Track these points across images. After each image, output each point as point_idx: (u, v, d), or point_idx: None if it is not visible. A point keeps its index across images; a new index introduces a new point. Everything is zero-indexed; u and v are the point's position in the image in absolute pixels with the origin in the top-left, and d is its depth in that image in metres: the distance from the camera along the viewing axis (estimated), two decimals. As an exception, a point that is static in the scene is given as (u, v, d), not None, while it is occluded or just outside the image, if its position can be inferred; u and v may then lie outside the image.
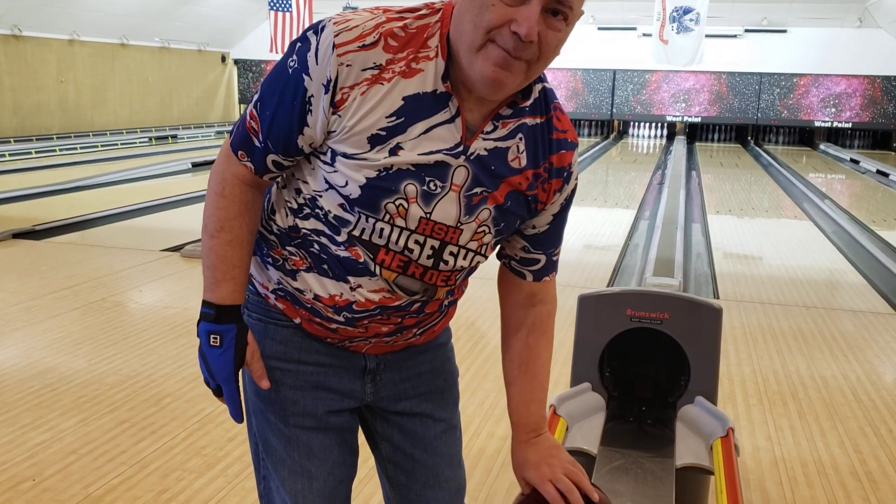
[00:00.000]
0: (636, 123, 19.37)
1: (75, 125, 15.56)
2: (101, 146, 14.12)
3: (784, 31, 17.68)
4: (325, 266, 1.25)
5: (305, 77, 1.16)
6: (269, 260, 1.31)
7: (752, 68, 17.97)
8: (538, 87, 1.25)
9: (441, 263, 1.26)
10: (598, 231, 7.47)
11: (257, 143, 1.22)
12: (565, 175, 1.30)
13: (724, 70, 18.06)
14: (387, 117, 1.15)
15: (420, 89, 1.16)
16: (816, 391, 3.49)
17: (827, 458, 2.86)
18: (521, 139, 1.23)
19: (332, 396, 1.38)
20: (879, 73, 17.34)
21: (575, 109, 19.01)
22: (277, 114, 1.19)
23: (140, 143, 15.31)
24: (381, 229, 1.21)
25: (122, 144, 14.69)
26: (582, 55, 18.37)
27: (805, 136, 18.62)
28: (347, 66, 1.14)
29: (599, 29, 18.32)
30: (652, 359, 2.37)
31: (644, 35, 17.37)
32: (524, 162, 1.24)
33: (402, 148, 1.16)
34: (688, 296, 2.32)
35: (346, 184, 1.19)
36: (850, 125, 17.83)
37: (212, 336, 1.28)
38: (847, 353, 4.01)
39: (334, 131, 1.18)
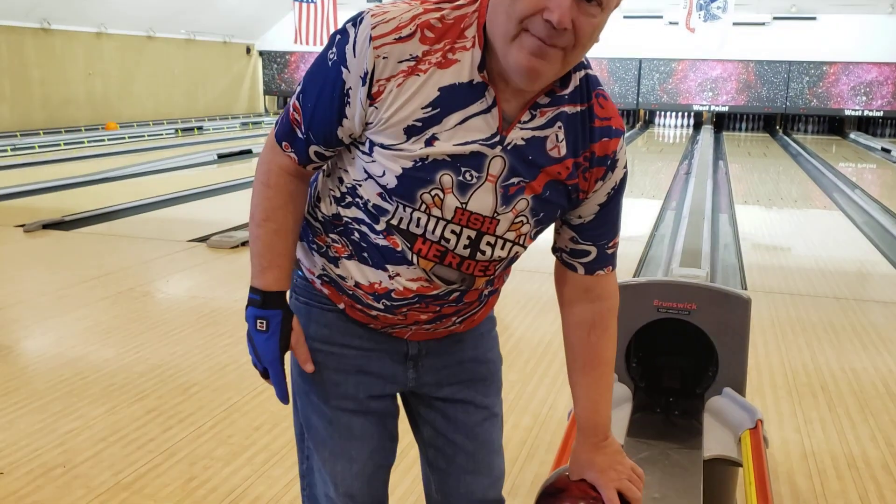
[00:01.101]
0: (662, 113, 19.20)
1: (103, 117, 15.72)
2: (129, 138, 14.26)
3: (813, 19, 17.42)
4: (365, 254, 1.27)
5: (343, 69, 1.17)
6: (315, 246, 1.34)
7: (781, 56, 17.73)
8: (579, 73, 1.24)
9: (478, 254, 1.25)
10: (623, 222, 7.39)
11: (300, 135, 1.24)
12: (609, 163, 1.27)
13: (751, 58, 17.84)
14: (422, 108, 1.15)
15: (456, 80, 1.15)
16: (847, 383, 3.44)
17: (857, 451, 2.82)
18: (559, 128, 1.21)
19: (374, 381, 1.39)
20: (912, 61, 17.05)
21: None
22: (318, 106, 1.21)
23: (166, 134, 15.43)
24: (418, 219, 1.21)
25: (148, 136, 14.82)
26: (607, 44, 17.99)
27: (835, 125, 18.36)
28: (384, 58, 1.14)
29: (625, 17, 18.15)
30: (679, 349, 2.34)
31: (670, 23, 17.22)
32: (563, 151, 1.22)
33: (437, 139, 1.16)
34: (716, 286, 2.29)
35: (384, 174, 1.19)
36: (881, 113, 17.55)
37: (258, 321, 1.32)
38: (878, 345, 3.96)
39: (371, 123, 1.18)
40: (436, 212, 1.20)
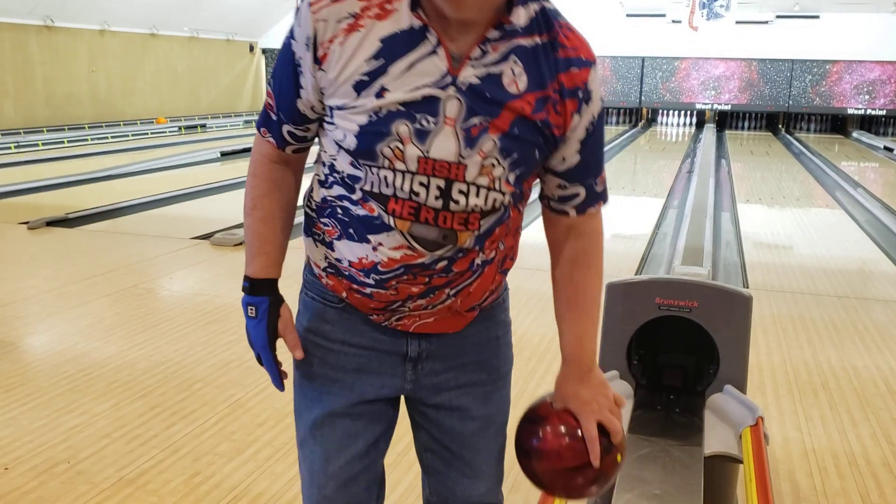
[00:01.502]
0: (665, 111, 19.19)
1: (106, 115, 15.74)
2: (132, 135, 14.27)
3: (816, 17, 17.40)
4: (351, 230, 1.27)
5: (293, 42, 1.22)
6: (316, 236, 1.35)
7: (784, 55, 17.71)
8: (534, 5, 1.22)
9: (451, 203, 1.21)
10: (626, 220, 7.43)
11: (273, 117, 1.30)
12: (582, 95, 1.23)
13: (754, 57, 17.82)
14: (366, 61, 1.17)
15: (396, 28, 1.16)
16: (848, 382, 3.45)
17: (858, 449, 2.83)
18: (515, 62, 1.19)
19: (370, 382, 1.39)
20: (915, 60, 17.03)
21: (603, 97, 18.83)
22: (282, 85, 1.26)
23: (170, 132, 15.45)
24: (385, 177, 1.20)
25: (152, 134, 14.84)
26: (610, 42, 18.24)
27: (837, 124, 18.34)
28: (323, 21, 1.18)
29: (628, 16, 18.17)
30: (681, 347, 2.35)
31: (673, 21, 17.21)
32: (523, 86, 1.19)
33: (387, 89, 1.16)
34: (717, 284, 2.30)
35: (345, 137, 1.21)
36: (884, 112, 17.53)
37: (249, 307, 1.36)
38: (879, 344, 3.96)
39: (324, 87, 1.22)
40: (399, 165, 1.18)
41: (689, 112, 18.88)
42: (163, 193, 7.96)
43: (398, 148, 1.17)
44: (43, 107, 14.46)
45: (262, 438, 2.79)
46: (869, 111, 17.62)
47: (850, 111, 17.79)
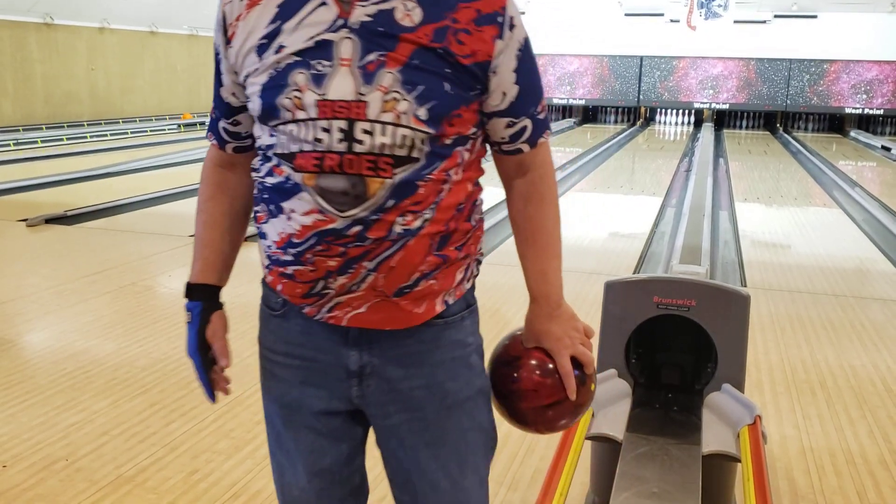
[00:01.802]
0: (663, 110, 19.20)
1: (105, 112, 15.73)
2: (131, 133, 14.26)
3: (814, 17, 17.42)
4: (271, 206, 1.25)
5: (215, 36, 1.29)
6: (258, 231, 1.32)
7: (782, 54, 17.73)
8: None
9: (356, 144, 1.16)
10: (624, 218, 7.44)
11: (213, 117, 1.35)
12: (500, 21, 1.21)
13: (752, 56, 17.84)
14: (265, 27, 1.19)
15: None
16: (845, 380, 3.46)
17: (856, 447, 2.84)
18: None
19: (318, 395, 1.32)
20: (913, 59, 17.05)
21: (601, 96, 18.89)
22: (214, 82, 1.32)
23: (169, 129, 15.44)
24: (291, 132, 1.18)
25: (151, 131, 14.83)
26: (608, 41, 18.26)
27: (835, 123, 18.36)
28: (229, 3, 1.24)
29: (626, 15, 18.18)
30: (679, 346, 2.36)
31: (672, 21, 17.22)
32: (417, 18, 1.17)
33: (284, 46, 1.18)
34: (715, 283, 2.30)
35: (253, 104, 1.23)
36: (881, 112, 17.55)
37: (187, 312, 1.40)
38: (877, 343, 3.97)
39: (235, 64, 1.25)
40: (301, 114, 1.17)
41: (687, 111, 18.89)
42: (162, 191, 7.96)
43: (297, 97, 1.16)
44: (42, 104, 14.44)
45: (261, 436, 2.80)
46: (866, 110, 17.64)
47: (847, 110, 17.81)
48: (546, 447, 2.75)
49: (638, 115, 19.40)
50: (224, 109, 1.32)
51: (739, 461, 1.95)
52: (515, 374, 1.39)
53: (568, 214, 7.65)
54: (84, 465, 2.57)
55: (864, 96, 17.56)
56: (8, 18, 13.60)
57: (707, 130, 16.84)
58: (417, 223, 1.21)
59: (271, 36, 1.19)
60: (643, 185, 9.77)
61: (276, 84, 1.18)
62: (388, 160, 1.17)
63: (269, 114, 1.20)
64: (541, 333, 1.38)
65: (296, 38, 1.17)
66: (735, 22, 15.30)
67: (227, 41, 1.25)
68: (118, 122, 15.44)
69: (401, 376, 1.30)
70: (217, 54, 1.28)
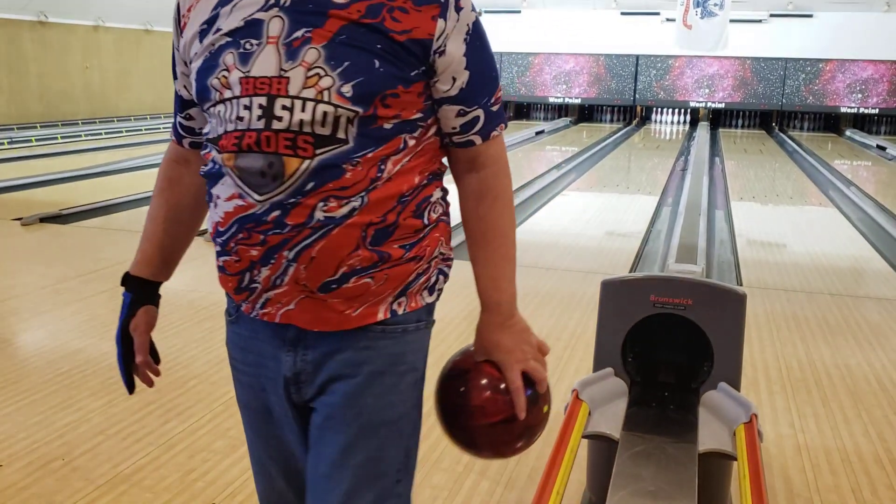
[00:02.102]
0: (659, 109, 19.20)
1: (100, 111, 15.70)
2: (126, 131, 14.24)
3: (810, 16, 17.45)
4: (208, 197, 1.25)
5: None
6: None
7: (778, 53, 17.75)
8: None
9: (274, 121, 1.11)
10: (620, 217, 7.45)
11: (174, 112, 1.38)
12: (441, 1, 1.16)
13: (748, 55, 17.86)
14: (209, 12, 1.19)
15: None
16: (841, 379, 3.47)
17: (851, 445, 2.85)
18: None
19: (277, 399, 1.29)
20: (908, 59, 17.09)
21: (597, 95, 18.90)
22: (172, 75, 1.33)
23: (164, 128, 15.40)
24: (219, 112, 1.17)
25: (146, 130, 14.80)
26: (605, 40, 18.26)
27: (831, 123, 18.39)
28: None
29: (622, 14, 18.19)
30: (675, 345, 2.36)
31: (668, 20, 17.23)
32: None
33: (220, 29, 1.17)
34: (712, 282, 2.31)
35: (191, 88, 1.24)
36: (876, 111, 17.59)
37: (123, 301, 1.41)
38: (872, 342, 3.98)
39: (184, 54, 1.25)
40: (227, 94, 1.15)
41: (683, 110, 18.91)
42: (157, 190, 7.93)
43: (224, 76, 1.15)
44: (36, 103, 14.41)
45: (258, 435, 2.80)
46: (862, 110, 17.67)
47: (843, 110, 17.83)
48: (543, 446, 2.75)
49: (634, 114, 19.41)
50: (178, 103, 1.34)
51: (735, 459, 1.95)
52: (462, 389, 1.30)
53: (564, 213, 7.66)
54: (80, 465, 2.57)
55: (860, 96, 17.59)
56: (2, 16, 13.56)
57: (703, 129, 16.86)
58: (343, 210, 1.14)
59: (211, 21, 1.18)
60: (639, 184, 9.79)
61: (208, 66, 1.17)
62: (309, 139, 1.11)
63: (202, 96, 1.19)
64: (490, 345, 1.30)
65: (231, 19, 1.16)
66: (731, 21, 15.29)
67: (180, 32, 1.25)
68: (113, 121, 15.41)
69: (328, 383, 1.24)
70: (173, 47, 1.29)
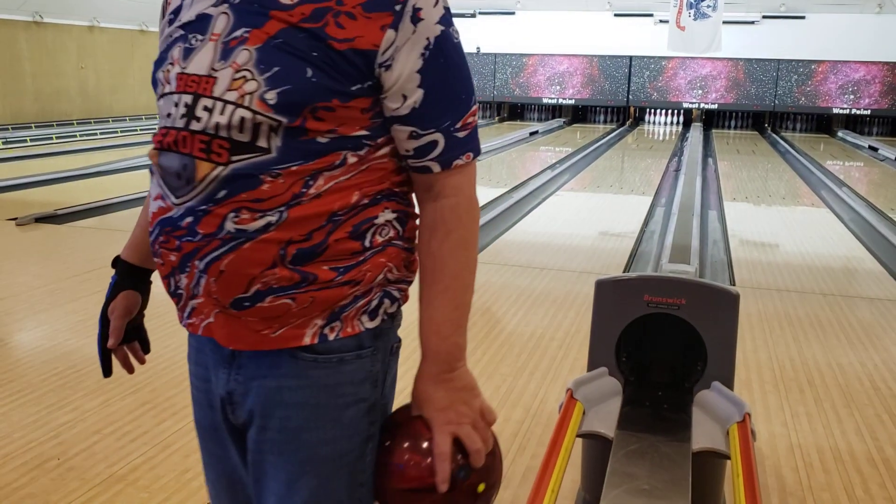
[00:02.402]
0: (652, 110, 19.25)
1: (95, 111, 15.66)
2: (121, 132, 14.21)
3: (802, 18, 17.51)
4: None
5: None
6: None
7: (770, 55, 17.81)
8: None
9: (193, 121, 1.06)
10: (613, 218, 7.47)
11: None
12: (397, 10, 1.06)
13: (741, 56, 17.91)
14: (179, 2, 1.17)
15: None
16: (833, 378, 3.49)
17: (843, 444, 2.87)
18: None
19: (221, 418, 1.23)
20: (900, 60, 17.17)
21: (591, 96, 18.93)
22: None
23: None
24: (160, 106, 1.13)
25: (141, 130, 14.77)
26: (598, 42, 18.29)
27: (823, 123, 18.45)
28: None
29: (616, 15, 18.23)
30: (669, 344, 2.38)
31: (661, 21, 17.28)
32: None
33: (180, 20, 1.14)
34: (705, 281, 2.33)
35: None
36: (868, 112, 17.65)
37: None
38: (864, 341, 4.01)
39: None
40: (167, 88, 1.11)
41: (676, 111, 18.95)
42: (151, 190, 7.93)
43: (167, 70, 1.12)
44: (31, 103, 14.38)
45: (253, 435, 2.81)
46: (854, 111, 17.74)
47: (835, 111, 17.90)
48: (538, 445, 2.77)
49: (627, 115, 19.45)
50: None
51: (729, 458, 1.97)
52: (387, 444, 1.17)
53: (558, 214, 7.68)
54: (76, 464, 2.57)
55: (852, 97, 17.66)
56: (-4, 16, 13.54)
57: (696, 130, 16.90)
58: (257, 224, 1.05)
59: (177, 11, 1.16)
60: (633, 185, 9.81)
61: (161, 58, 1.15)
62: (224, 144, 1.04)
63: (153, 88, 1.18)
64: (422, 399, 1.16)
65: (190, 12, 1.13)
66: (724, 23, 15.34)
67: (163, 18, 1.23)
68: (108, 121, 15.38)
69: (259, 411, 1.15)
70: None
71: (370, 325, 1.15)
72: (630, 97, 18.84)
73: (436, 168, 1.12)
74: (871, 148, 14.49)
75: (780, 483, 2.60)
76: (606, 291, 2.33)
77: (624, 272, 5.21)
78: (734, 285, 5.02)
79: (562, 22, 18.48)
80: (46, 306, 4.22)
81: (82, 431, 2.80)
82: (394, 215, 1.15)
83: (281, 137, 1.04)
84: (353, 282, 1.10)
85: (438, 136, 1.11)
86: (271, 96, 1.03)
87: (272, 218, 1.05)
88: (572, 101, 19.11)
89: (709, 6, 13.74)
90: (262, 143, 1.04)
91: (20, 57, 14.11)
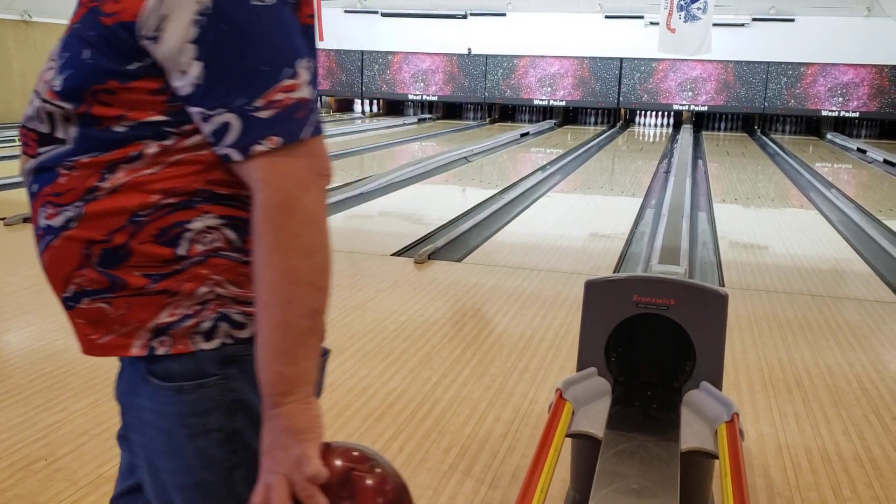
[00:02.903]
0: (643, 112, 19.31)
1: (82, 111, 15.61)
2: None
3: (792, 20, 17.59)
4: None
5: None
6: None
7: (760, 57, 17.89)
8: None
9: (24, 115, 1.05)
10: (604, 219, 7.49)
11: None
12: None
13: (731, 59, 17.98)
14: None
15: None
16: (821, 379, 3.51)
17: (831, 444, 2.88)
18: None
19: None
20: (887, 63, 17.25)
21: (581, 98, 18.96)
22: None
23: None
24: None
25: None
26: (589, 43, 18.33)
27: (812, 126, 18.55)
28: None
29: (606, 17, 18.26)
30: (658, 344, 2.39)
31: (651, 23, 17.32)
32: None
33: None
34: (694, 282, 2.33)
35: None
36: (857, 115, 17.75)
37: None
38: (852, 342, 4.03)
39: None
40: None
41: (666, 113, 19.02)
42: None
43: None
44: (20, 102, 14.29)
45: (243, 435, 2.80)
46: (842, 113, 17.83)
47: (824, 113, 17.98)
48: (527, 445, 2.77)
49: (618, 117, 19.50)
50: None
51: (717, 458, 1.97)
52: None
53: (549, 215, 7.69)
54: (64, 465, 2.56)
55: (841, 99, 17.75)
56: (-16, 16, 13.47)
57: (686, 132, 16.95)
58: (59, 220, 0.99)
59: None
60: (623, 186, 9.83)
61: None
62: (33, 136, 1.00)
63: None
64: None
65: None
66: (714, 25, 15.40)
67: None
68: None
69: (130, 426, 1.10)
70: None
71: (206, 346, 1.02)
72: (621, 99, 18.88)
73: (235, 156, 0.96)
74: (860, 150, 14.57)
75: (768, 483, 2.61)
76: (596, 292, 2.34)
77: (614, 273, 5.22)
78: (723, 286, 5.03)
79: (553, 23, 18.51)
80: (34, 307, 4.20)
81: (70, 432, 2.78)
82: (219, 221, 1.01)
83: (76, 127, 0.98)
84: (168, 292, 1.00)
85: (231, 118, 0.95)
86: (58, 83, 0.98)
87: (70, 213, 0.98)
88: (563, 103, 19.14)
89: (699, 8, 13.78)
90: (59, 133, 0.98)
91: (8, 56, 14.04)
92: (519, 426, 2.93)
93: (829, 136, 17.39)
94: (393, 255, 5.51)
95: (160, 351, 1.02)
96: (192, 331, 1.01)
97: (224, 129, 0.95)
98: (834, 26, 17.32)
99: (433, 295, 4.49)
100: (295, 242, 0.95)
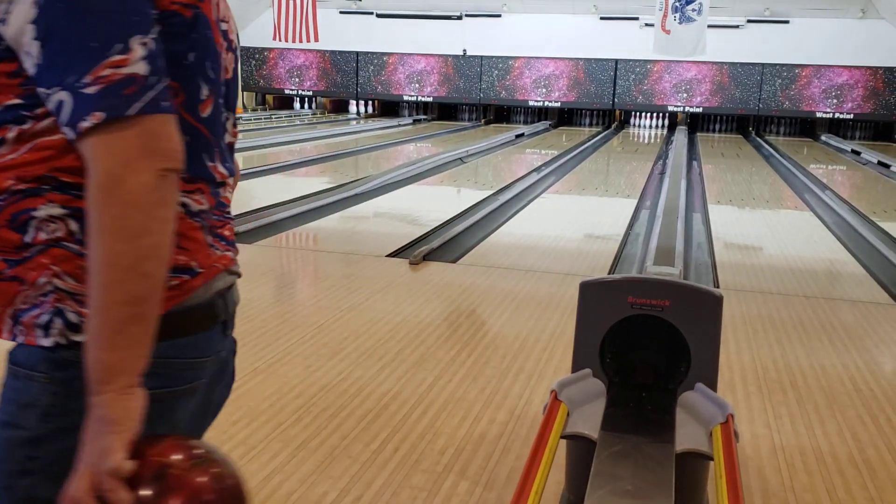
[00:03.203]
0: (638, 113, 19.36)
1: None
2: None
3: (786, 22, 17.65)
4: None
5: None
6: None
7: (754, 59, 17.94)
8: None
9: None
10: (598, 220, 7.49)
11: None
12: None
13: (725, 60, 18.03)
14: None
15: None
16: (816, 380, 3.51)
17: (826, 446, 2.88)
18: None
19: None
20: (882, 65, 17.33)
21: (576, 99, 19.00)
22: None
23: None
24: None
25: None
26: (584, 45, 18.36)
27: (806, 127, 18.61)
28: None
29: (601, 19, 18.30)
30: (653, 345, 2.39)
31: (646, 25, 17.36)
32: None
33: None
34: (689, 283, 2.33)
35: None
36: (851, 116, 17.82)
37: None
38: (847, 343, 4.03)
39: None
40: None
41: (661, 114, 19.06)
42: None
43: None
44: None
45: (236, 437, 2.79)
46: (837, 115, 17.89)
47: (818, 115, 18.04)
48: (522, 446, 2.77)
49: (613, 118, 19.54)
50: None
51: (712, 459, 1.97)
52: None
53: (543, 216, 7.70)
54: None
55: (835, 101, 17.81)
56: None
57: (681, 133, 16.99)
58: None
59: None
60: (618, 188, 9.85)
61: None
62: None
63: None
64: None
65: None
66: (709, 26, 15.45)
67: None
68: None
69: None
70: None
71: (44, 342, 1.01)
72: (615, 100, 18.92)
73: (70, 134, 0.94)
74: (854, 152, 14.62)
75: (763, 484, 2.61)
76: (591, 293, 2.34)
77: (609, 274, 5.22)
78: (718, 287, 5.04)
79: (548, 25, 18.53)
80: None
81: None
82: (63, 211, 0.99)
83: None
84: (18, 279, 1.00)
85: (64, 95, 0.93)
86: None
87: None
88: (558, 104, 19.17)
89: (694, 10, 13.83)
90: None
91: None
92: (514, 427, 2.92)
93: (823, 137, 17.45)
94: (388, 256, 5.51)
95: (20, 339, 1.03)
96: (34, 323, 1.01)
97: (59, 107, 0.94)
98: (828, 28, 17.38)
99: (428, 296, 4.49)
100: (116, 224, 0.92)
